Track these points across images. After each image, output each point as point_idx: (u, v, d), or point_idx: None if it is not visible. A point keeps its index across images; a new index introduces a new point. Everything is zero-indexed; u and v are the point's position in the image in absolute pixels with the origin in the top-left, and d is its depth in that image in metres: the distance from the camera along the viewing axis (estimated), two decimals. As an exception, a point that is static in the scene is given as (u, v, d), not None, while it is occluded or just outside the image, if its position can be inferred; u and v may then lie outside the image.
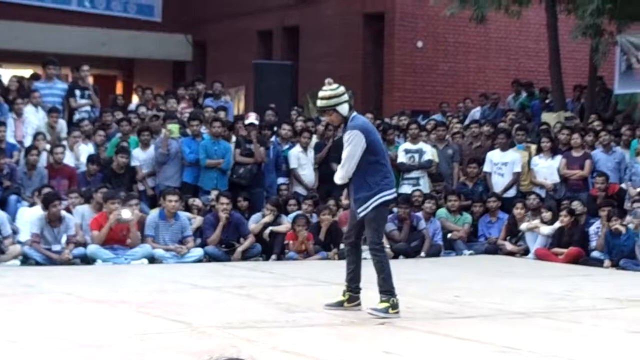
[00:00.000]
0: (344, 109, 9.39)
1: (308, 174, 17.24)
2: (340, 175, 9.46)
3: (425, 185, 17.30)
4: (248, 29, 29.02)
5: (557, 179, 17.02)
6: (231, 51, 29.13)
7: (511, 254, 16.06)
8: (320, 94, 9.53)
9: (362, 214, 9.36)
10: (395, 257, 14.95)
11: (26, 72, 21.72)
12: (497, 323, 9.28)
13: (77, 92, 18.23)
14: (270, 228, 15.30)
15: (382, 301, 9.35)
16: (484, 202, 16.88)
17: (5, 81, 18.61)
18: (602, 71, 21.05)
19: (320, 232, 15.30)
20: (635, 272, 14.15)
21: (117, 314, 9.37)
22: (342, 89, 9.55)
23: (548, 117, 20.04)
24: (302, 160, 17.17)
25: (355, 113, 9.59)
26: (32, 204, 14.88)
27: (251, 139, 16.71)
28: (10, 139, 16.37)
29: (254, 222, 15.40)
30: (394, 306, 9.31)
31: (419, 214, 16.13)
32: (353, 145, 9.27)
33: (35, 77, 18.93)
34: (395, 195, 9.88)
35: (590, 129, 18.01)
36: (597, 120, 18.67)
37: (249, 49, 28.17)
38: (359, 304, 9.70)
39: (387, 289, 9.36)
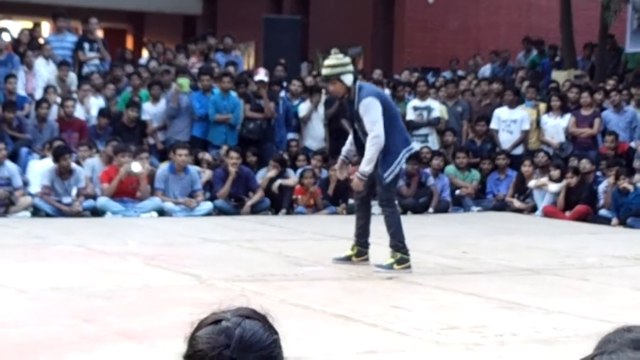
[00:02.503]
0: (348, 78, 9.41)
1: (317, 130, 17.23)
2: (376, 142, 9.30)
3: (433, 142, 17.31)
4: (259, -17, 28.88)
5: (563, 138, 16.99)
6: (241, 5, 29.02)
7: (519, 211, 16.07)
8: (326, 62, 9.59)
9: (388, 179, 9.40)
10: (404, 212, 14.95)
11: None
12: (505, 279, 9.32)
13: (86, 45, 18.20)
14: (279, 181, 15.34)
15: (390, 257, 9.42)
16: (493, 159, 16.88)
17: (15, 34, 18.58)
18: (613, 29, 20.93)
19: (329, 187, 15.34)
20: (642, 231, 14.18)
21: (126, 266, 9.43)
22: (347, 59, 9.64)
23: (558, 75, 19.97)
24: (312, 116, 17.16)
25: (360, 82, 9.63)
26: (42, 157, 14.92)
27: (261, 95, 16.71)
28: (21, 91, 16.38)
29: (260, 178, 15.44)
30: (400, 261, 9.36)
31: (427, 170, 16.15)
32: (373, 111, 9.30)
33: (37, 25, 18.82)
34: (412, 149, 9.97)
35: (601, 88, 17.95)
36: (610, 79, 18.56)
37: (259, 4, 28.03)
38: (367, 259, 9.77)
39: (394, 243, 9.42)
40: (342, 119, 14.94)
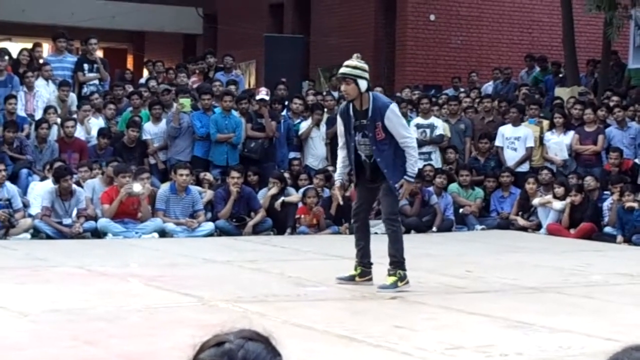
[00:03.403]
0: (363, 84, 9.38)
1: (319, 149, 17.19)
2: (413, 143, 9.49)
3: (437, 160, 17.26)
4: (259, 2, 28.96)
5: (566, 156, 16.94)
6: (242, 25, 29.05)
7: (523, 229, 16.01)
8: (346, 62, 9.57)
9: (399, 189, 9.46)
10: (407, 232, 14.87)
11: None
12: (509, 298, 9.25)
13: (86, 66, 18.18)
14: (282, 198, 15.28)
15: (390, 275, 9.37)
16: (496, 177, 16.82)
17: (15, 54, 18.55)
18: (616, 45, 20.93)
19: (331, 206, 15.27)
20: (648, 248, 14.12)
21: (127, 287, 9.36)
22: (366, 66, 9.65)
23: (561, 92, 19.94)
24: (313, 134, 17.12)
25: (373, 92, 9.64)
26: (43, 178, 14.87)
27: (262, 114, 16.68)
28: (21, 112, 16.35)
29: (261, 197, 15.37)
30: (402, 278, 9.33)
31: (431, 188, 16.09)
32: (401, 117, 9.56)
33: (37, 45, 18.80)
34: None
35: (604, 104, 17.92)
36: (613, 96, 18.51)
37: (260, 23, 28.09)
38: (370, 279, 9.71)
39: (398, 259, 9.39)
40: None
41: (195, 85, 18.91)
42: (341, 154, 9.79)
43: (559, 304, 8.96)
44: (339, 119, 9.75)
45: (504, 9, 25.58)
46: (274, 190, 15.29)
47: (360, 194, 9.86)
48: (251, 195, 15.11)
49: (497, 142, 17.42)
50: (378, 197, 9.72)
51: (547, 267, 11.61)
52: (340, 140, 9.77)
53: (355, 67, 9.44)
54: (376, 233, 9.93)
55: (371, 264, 9.75)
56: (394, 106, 9.51)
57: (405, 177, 9.40)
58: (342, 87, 9.64)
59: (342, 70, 9.52)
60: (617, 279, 10.79)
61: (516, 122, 17.31)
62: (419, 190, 15.73)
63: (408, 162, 9.39)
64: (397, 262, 9.38)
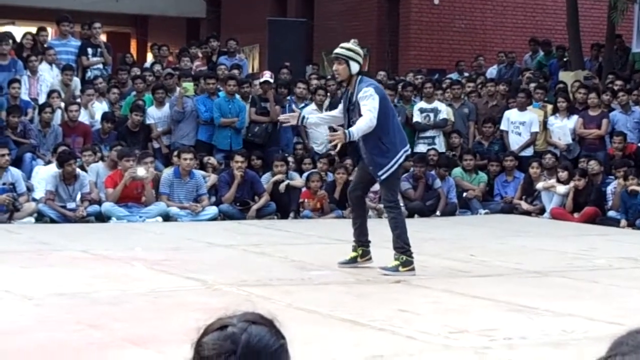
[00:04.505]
0: (354, 66, 9.42)
1: (322, 132, 17.17)
2: (367, 124, 9.22)
3: (440, 145, 17.25)
4: (263, -14, 28.88)
5: (570, 140, 16.93)
6: (245, 8, 29.00)
7: (527, 213, 16.02)
8: (342, 44, 9.67)
9: (383, 177, 9.37)
10: (411, 215, 14.91)
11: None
12: (513, 282, 9.26)
13: (89, 50, 18.17)
14: (287, 181, 15.30)
15: (394, 259, 9.37)
16: (500, 161, 16.81)
17: (18, 38, 18.54)
18: (620, 29, 20.88)
19: (335, 190, 15.28)
20: (651, 232, 14.12)
21: (131, 271, 9.38)
22: (361, 51, 9.74)
23: (565, 76, 19.91)
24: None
25: (362, 77, 9.64)
26: (47, 162, 14.89)
27: (266, 98, 16.68)
28: (25, 96, 16.34)
29: (266, 181, 15.39)
30: (405, 263, 9.32)
31: (434, 172, 16.10)
32: (373, 99, 9.28)
33: (42, 29, 18.77)
34: (409, 150, 9.94)
35: (609, 88, 17.89)
36: (617, 80, 18.48)
37: (263, 6, 28.03)
38: (370, 258, 9.75)
39: (400, 245, 9.38)
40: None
41: (199, 69, 18.89)
42: (333, 113, 10.13)
43: (563, 288, 8.97)
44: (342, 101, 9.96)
45: (507, -8, 25.52)
46: (279, 177, 15.29)
47: (358, 174, 10.03)
48: (255, 179, 15.12)
49: (503, 126, 17.41)
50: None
51: (551, 251, 11.61)
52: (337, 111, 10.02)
53: (349, 49, 9.51)
54: (370, 216, 9.95)
55: (369, 241, 9.77)
56: (368, 89, 9.31)
57: (347, 130, 9.30)
58: (334, 67, 9.69)
59: (337, 50, 9.61)
60: (620, 263, 10.80)
61: (523, 107, 17.29)
62: (423, 174, 15.73)
63: (357, 124, 9.22)
64: (400, 248, 9.39)
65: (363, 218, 9.84)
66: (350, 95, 9.49)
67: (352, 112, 9.44)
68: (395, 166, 9.46)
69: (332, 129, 9.96)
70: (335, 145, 9.72)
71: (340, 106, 9.87)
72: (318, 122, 11.03)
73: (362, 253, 9.77)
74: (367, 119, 9.19)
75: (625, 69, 20.55)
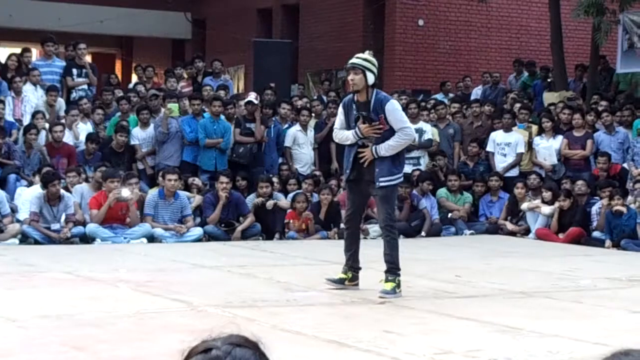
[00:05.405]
0: (370, 77, 9.47)
1: (306, 153, 17.17)
2: (407, 137, 9.43)
3: (425, 165, 17.25)
4: (248, 7, 28.90)
5: (555, 160, 16.97)
6: (231, 29, 29.00)
7: (512, 233, 16.03)
8: (358, 54, 9.70)
9: (382, 184, 9.38)
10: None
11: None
12: (498, 303, 9.24)
13: (74, 71, 18.14)
14: (273, 200, 15.28)
15: (388, 281, 9.38)
16: (485, 181, 16.83)
17: (3, 59, 18.50)
18: (604, 50, 20.95)
19: (320, 211, 15.26)
20: (636, 252, 14.14)
21: (116, 293, 9.32)
22: (377, 62, 9.72)
23: (550, 97, 19.97)
24: (301, 140, 17.11)
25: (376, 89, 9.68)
26: (30, 183, 14.83)
27: (250, 118, 16.66)
28: (9, 117, 16.30)
29: (250, 202, 15.35)
30: (399, 285, 9.36)
31: (418, 189, 16.13)
32: (401, 111, 9.60)
33: (26, 50, 18.72)
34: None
35: (593, 109, 17.94)
36: (602, 101, 18.53)
37: (248, 28, 28.05)
38: (357, 284, 9.80)
39: (396, 266, 9.43)
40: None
41: (184, 90, 18.87)
42: (340, 129, 9.79)
43: (548, 308, 8.96)
44: (340, 109, 9.84)
45: (492, 14, 25.58)
46: (258, 200, 15.25)
47: (351, 200, 9.85)
48: (240, 200, 15.09)
49: (489, 148, 17.45)
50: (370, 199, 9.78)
51: (536, 272, 11.61)
52: (338, 126, 9.81)
53: (365, 60, 9.54)
54: (365, 238, 9.92)
55: (360, 268, 9.82)
56: (393, 100, 9.64)
57: (376, 147, 9.37)
58: (350, 77, 9.59)
59: (353, 60, 9.59)
60: (605, 283, 10.80)
61: (508, 128, 17.33)
62: (408, 195, 15.73)
63: (388, 142, 9.31)
64: (394, 269, 9.42)
65: (357, 245, 9.86)
66: (365, 104, 9.47)
67: (370, 117, 9.42)
68: (397, 181, 9.61)
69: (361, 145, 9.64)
70: (364, 162, 9.64)
71: (342, 121, 9.74)
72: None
73: (351, 277, 9.80)
74: (403, 135, 9.38)
75: (609, 89, 20.61)
